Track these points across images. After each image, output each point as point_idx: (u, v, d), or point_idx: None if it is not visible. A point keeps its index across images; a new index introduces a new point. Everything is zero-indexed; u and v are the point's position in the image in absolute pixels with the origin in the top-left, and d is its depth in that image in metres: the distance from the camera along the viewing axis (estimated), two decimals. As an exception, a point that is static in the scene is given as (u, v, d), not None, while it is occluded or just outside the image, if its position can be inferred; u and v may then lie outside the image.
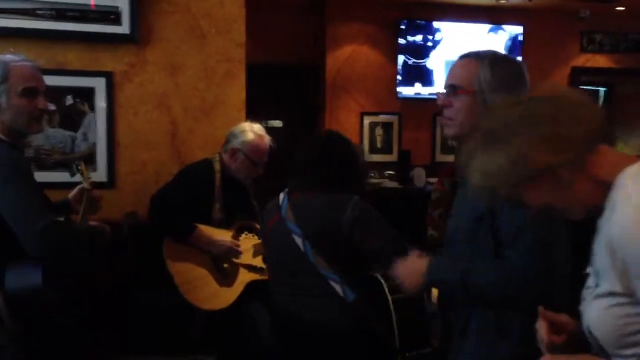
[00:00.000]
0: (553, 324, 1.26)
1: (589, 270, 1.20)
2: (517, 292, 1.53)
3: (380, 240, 2.16)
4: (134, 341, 3.01)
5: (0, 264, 1.94)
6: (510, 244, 1.54)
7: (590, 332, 1.15)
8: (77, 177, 2.40)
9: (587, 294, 1.18)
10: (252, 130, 2.89)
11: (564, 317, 1.28)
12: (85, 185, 2.28)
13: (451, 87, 1.70)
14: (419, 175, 6.10)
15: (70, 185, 2.46)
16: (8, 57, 2.16)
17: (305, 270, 2.20)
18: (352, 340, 2.19)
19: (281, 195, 2.32)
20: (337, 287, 2.18)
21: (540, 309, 1.27)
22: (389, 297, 2.35)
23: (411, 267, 1.72)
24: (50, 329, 2.00)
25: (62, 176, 2.60)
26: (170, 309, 2.73)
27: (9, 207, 1.97)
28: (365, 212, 2.19)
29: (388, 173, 6.45)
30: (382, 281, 2.38)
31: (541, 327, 1.25)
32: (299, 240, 2.19)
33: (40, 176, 2.95)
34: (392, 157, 6.69)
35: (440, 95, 1.72)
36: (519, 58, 6.94)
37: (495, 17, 6.89)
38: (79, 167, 2.32)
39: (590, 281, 1.18)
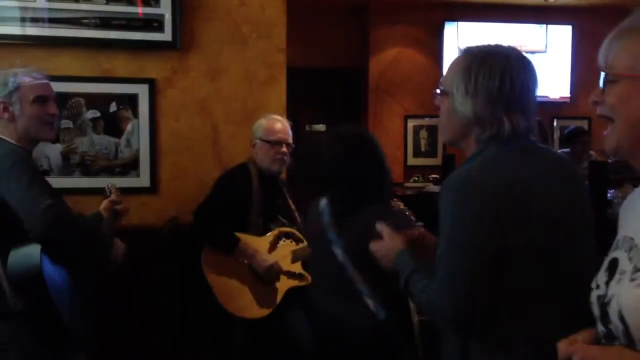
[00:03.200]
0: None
1: (617, 254, 1.13)
2: (432, 314, 1.48)
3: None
4: (173, 348, 3.03)
5: (3, 248, 2.04)
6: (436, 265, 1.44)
7: (621, 317, 1.07)
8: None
9: (617, 278, 1.11)
10: (264, 117, 2.99)
11: (582, 338, 1.18)
12: (113, 197, 2.43)
13: (440, 85, 1.57)
14: (464, 179, 5.98)
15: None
16: (17, 69, 2.28)
17: (342, 282, 2.17)
18: (377, 357, 2.17)
19: (323, 202, 2.27)
20: (371, 304, 2.15)
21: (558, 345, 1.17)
22: (416, 319, 2.32)
23: (387, 247, 1.66)
24: (50, 308, 2.08)
25: (105, 182, 2.63)
26: (210, 316, 2.72)
27: (14, 189, 2.08)
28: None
29: (432, 177, 6.35)
30: (411, 302, 2.35)
31: None
32: (338, 252, 2.16)
33: (85, 182, 3.06)
34: (437, 161, 6.60)
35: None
36: (568, 57, 6.76)
37: (543, 16, 6.72)
38: (110, 189, 2.48)
39: (623, 265, 1.11)
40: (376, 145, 2.26)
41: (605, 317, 1.12)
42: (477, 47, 1.52)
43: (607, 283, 1.14)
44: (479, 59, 1.47)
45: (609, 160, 5.20)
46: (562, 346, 1.14)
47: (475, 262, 1.38)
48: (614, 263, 1.15)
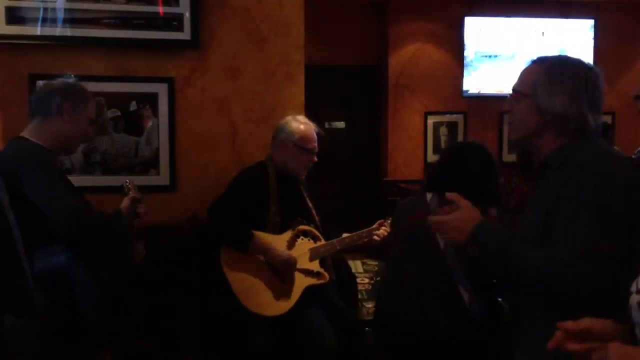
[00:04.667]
0: (574, 334, 1.16)
1: None
2: (556, 275, 1.46)
3: None
4: (192, 347, 3.05)
5: (30, 247, 2.05)
6: (561, 229, 1.49)
7: None
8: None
9: None
10: (296, 119, 2.92)
11: (586, 322, 1.18)
12: (132, 194, 2.47)
13: (512, 91, 1.73)
14: (485, 176, 5.93)
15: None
16: (82, 82, 2.44)
17: (438, 272, 2.17)
18: (463, 351, 2.15)
19: (429, 194, 2.29)
20: (465, 296, 2.13)
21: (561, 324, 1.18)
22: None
23: (462, 219, 1.62)
24: (72, 306, 2.13)
25: (126, 180, 2.66)
26: (229, 315, 2.73)
27: (38, 190, 2.15)
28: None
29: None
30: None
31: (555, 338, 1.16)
32: (441, 240, 2.15)
33: (106, 180, 3.10)
34: (457, 158, 6.54)
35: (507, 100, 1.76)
36: (590, 52, 6.66)
37: (565, 10, 6.63)
38: (129, 186, 2.52)
39: None
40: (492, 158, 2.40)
41: None
42: (549, 56, 1.71)
43: None
44: (560, 63, 1.65)
45: (633, 156, 5.12)
46: (570, 325, 1.11)
47: (617, 244, 1.46)
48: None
